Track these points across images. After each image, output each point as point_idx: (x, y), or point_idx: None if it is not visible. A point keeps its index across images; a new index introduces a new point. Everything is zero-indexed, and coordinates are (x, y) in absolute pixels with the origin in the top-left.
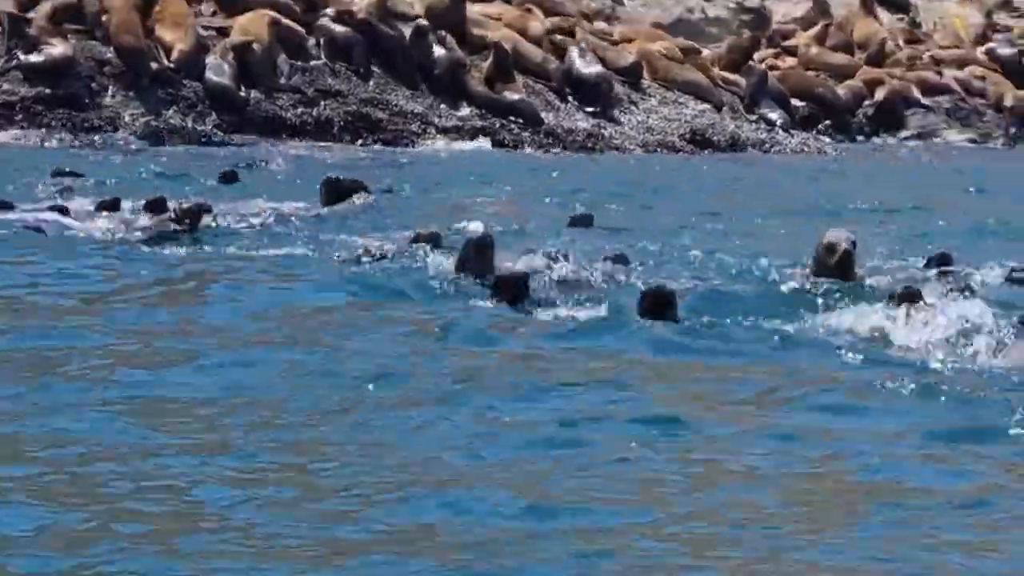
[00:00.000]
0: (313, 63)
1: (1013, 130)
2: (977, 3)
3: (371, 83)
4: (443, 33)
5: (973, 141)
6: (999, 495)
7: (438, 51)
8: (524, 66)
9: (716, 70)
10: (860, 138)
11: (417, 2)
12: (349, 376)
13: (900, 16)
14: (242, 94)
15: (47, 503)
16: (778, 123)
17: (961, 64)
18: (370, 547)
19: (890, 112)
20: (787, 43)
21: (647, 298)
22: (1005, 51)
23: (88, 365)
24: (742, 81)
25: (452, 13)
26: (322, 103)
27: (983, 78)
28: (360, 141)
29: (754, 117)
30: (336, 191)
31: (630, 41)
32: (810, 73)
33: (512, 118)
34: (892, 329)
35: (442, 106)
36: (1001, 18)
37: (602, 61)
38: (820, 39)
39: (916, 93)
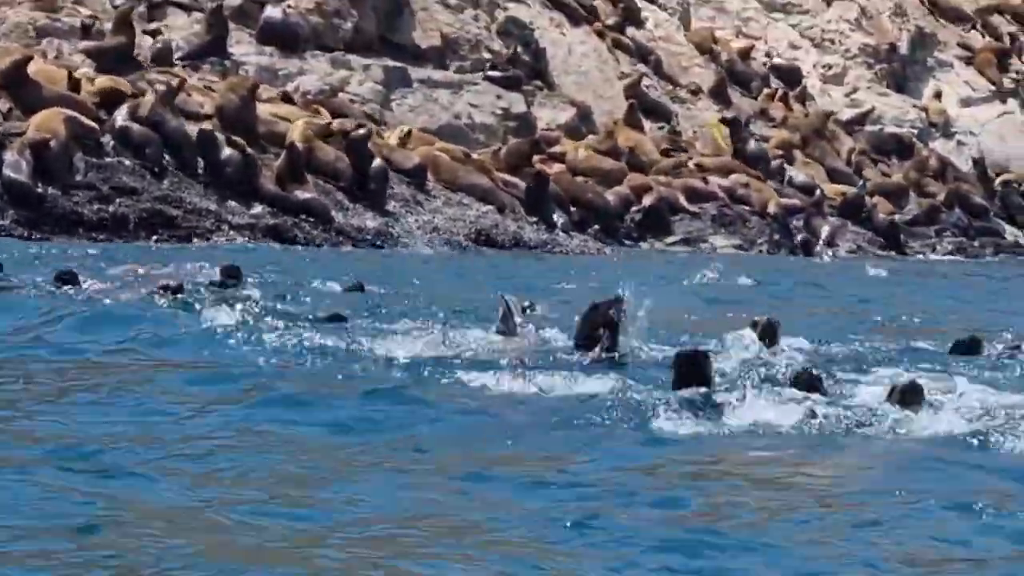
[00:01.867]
0: (108, 160)
1: (777, 236)
2: (735, 112)
3: (165, 181)
4: (231, 136)
5: (739, 247)
6: None
7: (228, 151)
8: (315, 165)
9: (496, 173)
10: (628, 243)
11: (207, 101)
12: None
13: (661, 124)
14: (39, 190)
15: None
16: (559, 224)
17: (726, 172)
18: None
19: (657, 218)
20: (553, 149)
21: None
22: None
23: None
24: (522, 184)
25: (243, 112)
26: (117, 200)
27: (747, 185)
28: (155, 237)
29: (534, 219)
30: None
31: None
32: (578, 179)
33: (304, 216)
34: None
35: (234, 204)
36: (758, 128)
37: (388, 162)
38: (599, 145)
39: (682, 200)
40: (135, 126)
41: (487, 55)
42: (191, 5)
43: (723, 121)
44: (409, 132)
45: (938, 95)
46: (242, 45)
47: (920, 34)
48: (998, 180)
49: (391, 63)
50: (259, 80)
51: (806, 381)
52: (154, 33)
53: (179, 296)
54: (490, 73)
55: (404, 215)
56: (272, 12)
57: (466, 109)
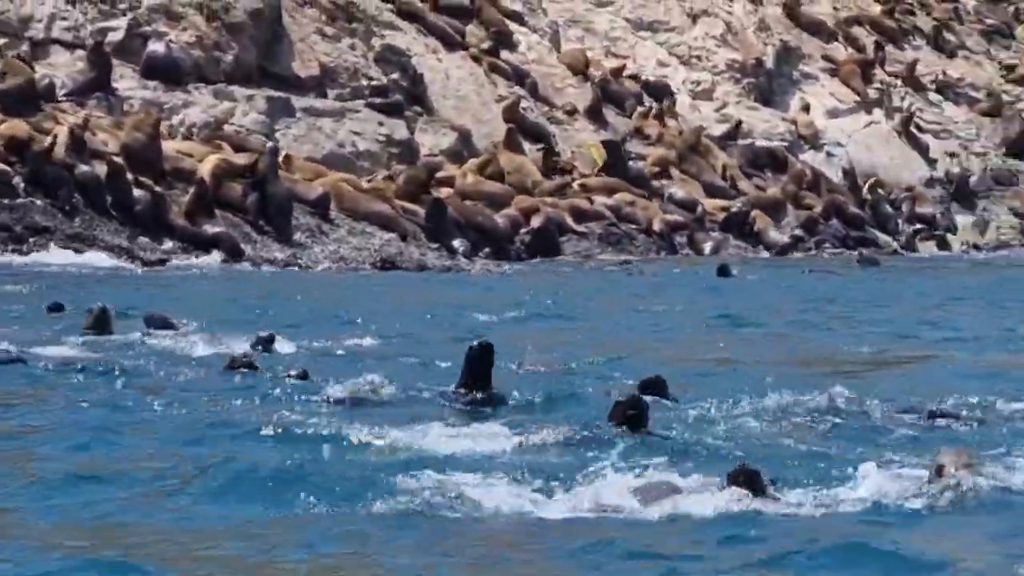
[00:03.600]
0: (20, 200)
1: (663, 252)
2: (611, 131)
3: (76, 219)
4: (138, 177)
5: (626, 263)
6: None
7: (137, 190)
8: (223, 200)
9: (396, 201)
10: (519, 264)
11: (112, 139)
12: None
13: (540, 146)
14: None
15: None
16: (460, 250)
17: (610, 191)
18: None
19: (546, 238)
20: (441, 174)
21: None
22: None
23: None
24: (421, 211)
25: (148, 150)
26: (31, 240)
27: (632, 203)
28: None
29: (436, 245)
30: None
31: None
32: (467, 203)
33: (214, 250)
34: None
35: (145, 240)
36: (634, 146)
37: (291, 193)
38: (482, 168)
39: (570, 220)
40: (45, 167)
41: (366, 82)
42: (73, 42)
43: (604, 144)
44: (287, 158)
45: (805, 108)
46: (126, 80)
47: (785, 48)
48: (866, 186)
49: (274, 93)
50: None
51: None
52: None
53: None
54: (371, 100)
55: (310, 245)
56: (155, 46)
57: (349, 137)
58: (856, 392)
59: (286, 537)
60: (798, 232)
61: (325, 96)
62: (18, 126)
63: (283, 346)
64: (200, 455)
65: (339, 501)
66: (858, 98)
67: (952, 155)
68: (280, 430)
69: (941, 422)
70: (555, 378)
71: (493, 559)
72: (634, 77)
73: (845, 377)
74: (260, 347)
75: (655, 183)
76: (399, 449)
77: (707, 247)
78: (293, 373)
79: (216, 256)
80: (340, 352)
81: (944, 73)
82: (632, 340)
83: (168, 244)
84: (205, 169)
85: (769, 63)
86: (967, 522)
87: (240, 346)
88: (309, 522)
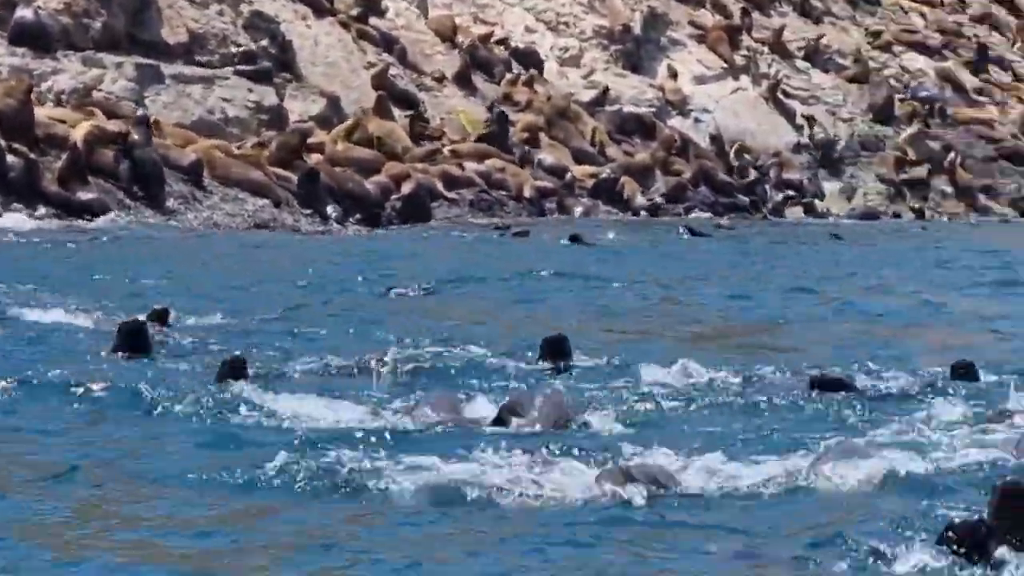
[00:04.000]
0: None
1: (533, 217)
2: (480, 98)
3: None
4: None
5: (498, 228)
6: None
7: (9, 156)
8: (96, 166)
9: (268, 167)
10: (392, 229)
11: None
12: None
13: (409, 112)
14: None
15: None
16: (333, 216)
17: (480, 157)
18: None
19: (417, 205)
20: (312, 140)
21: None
22: None
23: None
24: (293, 177)
25: (21, 117)
26: None
27: (503, 170)
28: None
29: (309, 211)
30: None
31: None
32: (337, 169)
33: (87, 216)
34: None
35: (19, 206)
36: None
37: (164, 160)
38: (350, 134)
39: (440, 186)
40: None
41: (234, 49)
42: None
43: (491, 111)
44: (157, 124)
45: (673, 74)
46: None
47: (652, 14)
48: (732, 151)
49: (143, 60)
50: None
51: None
52: None
53: None
54: (240, 67)
55: (184, 211)
56: (23, 12)
57: (219, 104)
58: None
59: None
60: (659, 199)
61: (194, 63)
62: None
63: (181, 319)
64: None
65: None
66: (725, 64)
67: (810, 119)
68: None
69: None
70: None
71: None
72: (503, 43)
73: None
74: (155, 320)
75: (524, 148)
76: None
77: (577, 212)
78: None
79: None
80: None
81: (818, 38)
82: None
83: (41, 210)
84: (78, 135)
85: (637, 29)
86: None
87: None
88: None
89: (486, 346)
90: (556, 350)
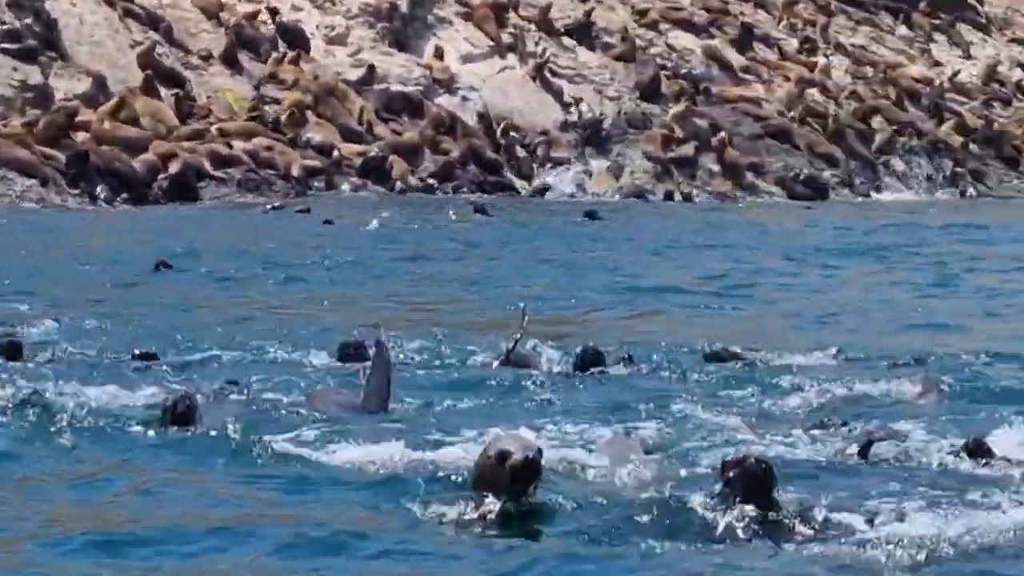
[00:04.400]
0: None
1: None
2: (247, 76)
3: None
4: None
5: (275, 207)
6: None
7: None
8: None
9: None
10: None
11: None
12: None
13: (175, 91)
14: None
15: None
16: (101, 195)
17: (248, 136)
18: None
19: (184, 184)
20: (78, 119)
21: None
22: None
23: None
24: (61, 156)
25: None
26: None
27: (270, 148)
28: None
29: (77, 191)
30: None
31: None
32: (104, 148)
33: None
34: None
35: None
36: (269, 90)
37: None
38: (115, 113)
39: (207, 165)
40: None
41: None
42: None
43: (257, 91)
44: None
45: (440, 54)
46: None
47: None
48: (499, 129)
49: None
50: None
51: None
52: None
53: None
54: (4, 45)
55: None
56: None
57: None
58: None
59: None
60: (431, 180)
61: None
62: None
63: None
64: None
65: None
66: (492, 43)
67: (577, 100)
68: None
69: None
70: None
71: None
72: (270, 18)
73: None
74: None
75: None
76: None
77: (345, 190)
78: None
79: None
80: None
81: (585, 14)
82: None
83: None
84: None
85: (403, 7)
86: None
87: None
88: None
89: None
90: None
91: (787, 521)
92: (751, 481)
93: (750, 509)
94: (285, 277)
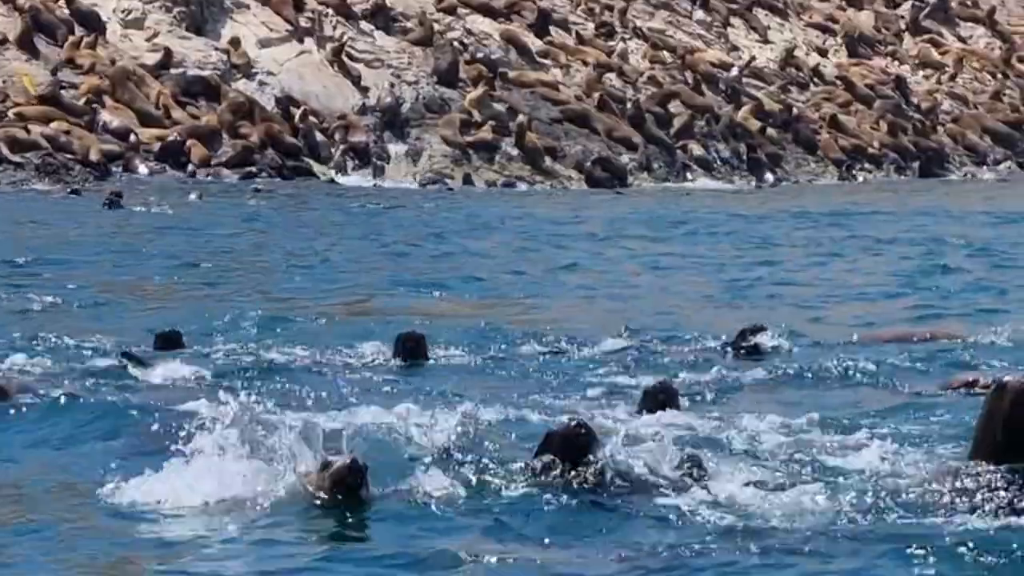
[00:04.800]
0: None
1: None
2: (43, 61)
3: None
4: None
5: (74, 191)
6: None
7: None
8: None
9: None
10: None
11: None
12: None
13: None
14: None
15: None
16: None
17: (46, 120)
18: None
19: None
20: None
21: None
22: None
23: None
24: None
25: None
26: None
27: (68, 132)
28: None
29: None
30: None
31: None
32: None
33: None
34: None
35: None
36: (66, 75)
37: None
38: None
39: (5, 150)
40: None
41: None
42: None
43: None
44: None
45: (235, 40)
46: None
47: None
48: (298, 114)
49: None
50: None
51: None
52: None
53: None
54: None
55: None
56: None
57: None
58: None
59: None
60: (236, 168)
61: None
62: None
63: None
64: None
65: None
66: (290, 27)
67: (392, 86)
68: None
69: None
70: None
71: None
72: (65, 2)
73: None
74: None
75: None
76: None
77: (142, 172)
78: None
79: None
80: None
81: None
82: None
83: None
84: None
85: None
86: None
87: None
88: None
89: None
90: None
91: (606, 478)
92: (571, 443)
93: (571, 469)
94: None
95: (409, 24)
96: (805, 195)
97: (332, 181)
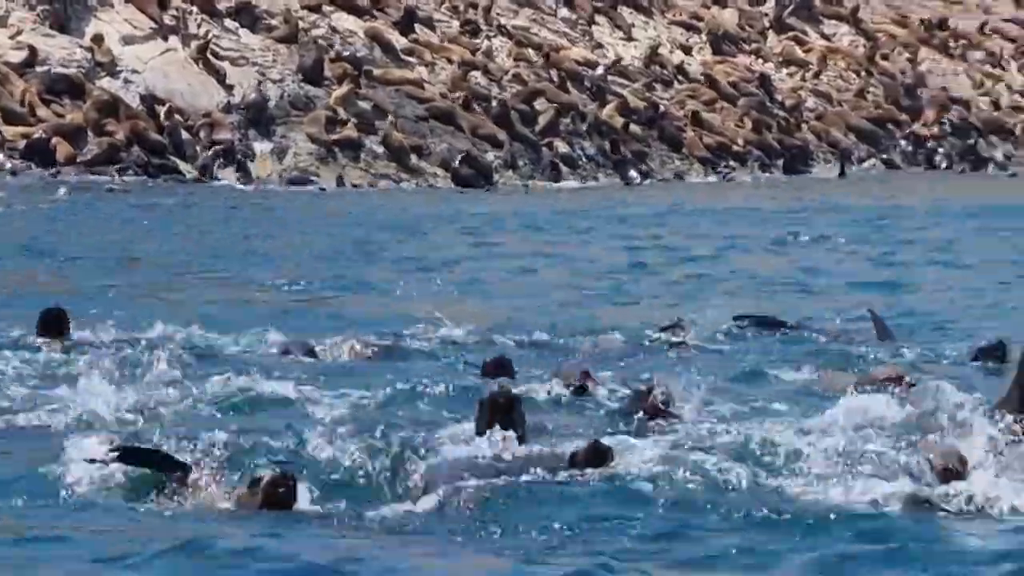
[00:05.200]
0: None
1: None
2: None
3: None
4: None
5: None
6: None
7: None
8: None
9: None
10: None
11: None
12: None
13: None
14: None
15: None
16: None
17: None
18: None
19: None
20: None
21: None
22: None
23: None
24: None
25: None
26: None
27: None
28: None
29: None
30: None
31: None
32: None
33: None
34: None
35: None
36: None
37: None
38: None
39: None
40: None
41: None
42: None
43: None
44: None
45: (100, 36)
46: None
47: None
48: (163, 112)
49: None
50: None
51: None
52: None
53: None
54: None
55: None
56: None
57: None
58: None
59: None
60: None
61: None
62: None
63: None
64: None
65: None
66: (154, 25)
67: (259, 84)
68: None
69: None
70: None
71: None
72: None
73: None
74: None
75: None
76: None
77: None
78: None
79: None
80: None
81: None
82: None
83: None
84: None
85: None
86: None
87: None
88: None
89: None
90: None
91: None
92: (497, 409)
93: (498, 433)
94: None
95: (274, 22)
96: (671, 191)
97: (198, 180)
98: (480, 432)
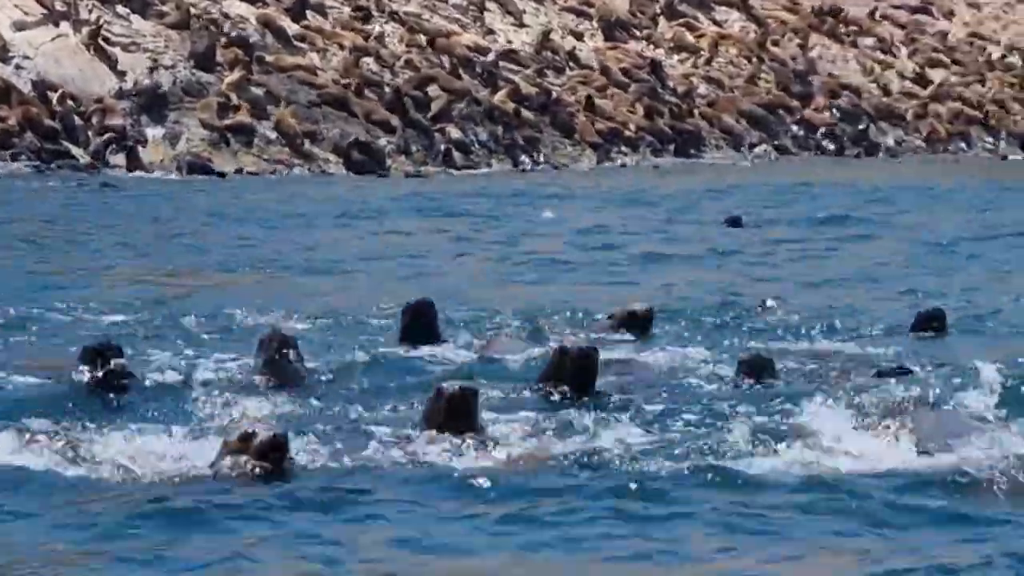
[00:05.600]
0: None
1: None
2: None
3: None
4: None
5: None
6: None
7: None
8: None
9: None
10: None
11: None
12: None
13: None
14: None
15: None
16: None
17: None
18: None
19: None
20: None
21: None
22: None
23: None
24: None
25: None
26: None
27: None
28: None
29: None
30: None
31: None
32: None
33: None
34: None
35: None
36: None
37: None
38: None
39: None
40: None
41: None
42: None
43: None
44: None
45: None
46: None
47: None
48: (55, 98)
49: None
50: None
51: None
52: None
53: None
54: None
55: None
56: None
57: None
58: None
59: None
60: None
61: None
62: None
63: None
64: None
65: None
66: (45, 10)
67: (151, 70)
68: None
69: None
70: None
71: None
72: None
73: None
74: None
75: None
76: None
77: None
78: None
79: None
80: None
81: None
82: None
83: None
84: None
85: None
86: None
87: None
88: None
89: None
90: None
91: (488, 439)
92: (457, 404)
93: (454, 430)
94: None
95: (166, 8)
96: (562, 178)
97: (91, 166)
98: (433, 427)
